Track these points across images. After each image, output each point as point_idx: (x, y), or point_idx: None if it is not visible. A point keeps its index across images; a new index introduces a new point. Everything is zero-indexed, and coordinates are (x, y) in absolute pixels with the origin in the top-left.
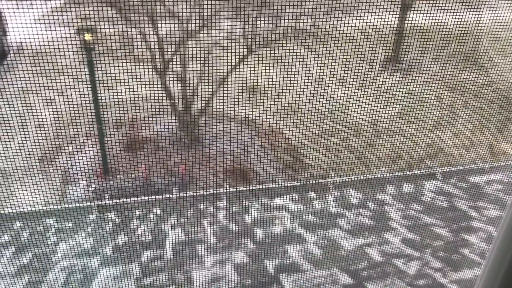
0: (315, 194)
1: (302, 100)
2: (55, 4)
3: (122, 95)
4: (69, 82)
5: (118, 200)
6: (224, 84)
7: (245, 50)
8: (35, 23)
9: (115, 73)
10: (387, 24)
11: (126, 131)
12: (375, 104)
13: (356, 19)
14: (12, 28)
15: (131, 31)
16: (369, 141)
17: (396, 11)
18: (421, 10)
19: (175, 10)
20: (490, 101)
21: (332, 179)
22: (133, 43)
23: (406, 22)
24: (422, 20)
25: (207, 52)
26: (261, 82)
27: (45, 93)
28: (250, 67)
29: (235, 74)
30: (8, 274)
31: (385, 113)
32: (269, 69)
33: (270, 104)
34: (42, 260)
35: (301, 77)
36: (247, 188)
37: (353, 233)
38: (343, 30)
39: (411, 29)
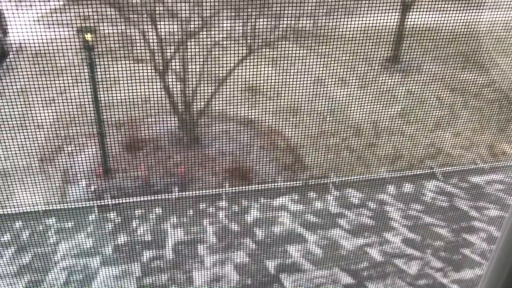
0: (315, 194)
1: (302, 100)
2: (55, 4)
3: (122, 95)
4: (69, 82)
5: (118, 200)
6: (224, 84)
7: (246, 50)
8: (35, 23)
9: (115, 73)
10: (387, 24)
11: (126, 131)
12: (375, 104)
13: (356, 19)
14: (12, 28)
15: (131, 31)
16: (369, 141)
17: (397, 11)
18: (421, 10)
19: (175, 10)
20: (491, 101)
21: (333, 179)
22: (133, 43)
23: (407, 22)
24: (422, 20)
25: (207, 52)
26: (261, 82)
27: (45, 93)
28: (251, 67)
29: (235, 74)
30: (8, 274)
31: (385, 113)
32: (269, 69)
33: (270, 104)
34: (43, 260)
35: (301, 77)
36: (247, 188)
37: (353, 233)
38: (343, 30)
39: (412, 29)
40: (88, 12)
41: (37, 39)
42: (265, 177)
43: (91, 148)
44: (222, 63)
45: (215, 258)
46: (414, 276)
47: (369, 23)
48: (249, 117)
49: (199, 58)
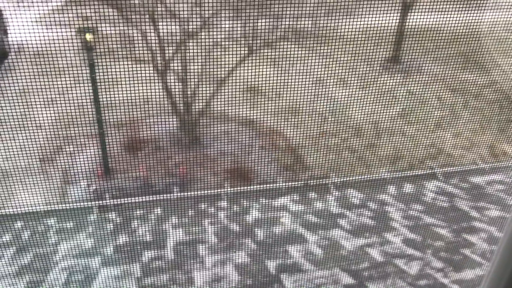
0: (316, 195)
1: (303, 100)
2: (56, 4)
3: (122, 95)
4: (69, 82)
5: (118, 200)
6: (224, 85)
7: (246, 50)
8: (36, 24)
9: (115, 74)
10: (388, 25)
11: (126, 132)
12: (376, 104)
13: (356, 20)
14: (12, 28)
15: (132, 31)
16: (370, 141)
17: (397, 12)
18: (421, 10)
19: (175, 10)
20: (491, 102)
21: (333, 180)
22: (134, 44)
23: (407, 22)
24: (423, 21)
25: (208, 52)
26: (261, 82)
27: (45, 93)
28: (251, 68)
29: (235, 75)
30: (9, 274)
31: (386, 114)
32: (270, 69)
33: (271, 105)
34: (43, 260)
35: (302, 77)
36: (248, 189)
37: (354, 233)
38: (344, 31)
39: (412, 30)
40: (89, 12)
41: (37, 40)
42: (265, 178)
43: (91, 149)
44: (223, 64)
45: (216, 259)
46: (415, 276)
47: (369, 24)
48: (250, 117)
49: (199, 58)
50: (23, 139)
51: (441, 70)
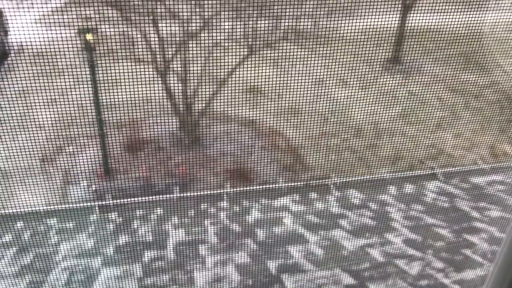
0: (316, 195)
1: (303, 101)
2: (56, 4)
3: (123, 95)
4: (70, 82)
5: (119, 201)
6: (225, 85)
7: (246, 50)
8: (36, 24)
9: (116, 74)
10: (388, 25)
11: (127, 132)
12: (376, 105)
13: (357, 20)
14: (13, 29)
15: (132, 31)
16: (370, 142)
17: (397, 12)
18: (422, 11)
19: (176, 11)
20: (492, 102)
21: (334, 180)
22: (134, 44)
23: (407, 23)
24: (423, 21)
25: (208, 52)
26: (262, 83)
27: (46, 93)
28: (251, 68)
29: (236, 75)
30: (10, 274)
31: (386, 114)
32: (270, 70)
33: (271, 105)
34: (44, 260)
35: (302, 78)
36: (249, 189)
37: (354, 234)
38: (344, 31)
39: (412, 31)
40: (89, 13)
41: (38, 40)
42: (266, 178)
43: (92, 149)
44: (223, 64)
45: (216, 259)
46: (416, 276)
47: (370, 25)
48: (250, 118)
49: (200, 59)
50: (24, 140)
51: (442, 71)
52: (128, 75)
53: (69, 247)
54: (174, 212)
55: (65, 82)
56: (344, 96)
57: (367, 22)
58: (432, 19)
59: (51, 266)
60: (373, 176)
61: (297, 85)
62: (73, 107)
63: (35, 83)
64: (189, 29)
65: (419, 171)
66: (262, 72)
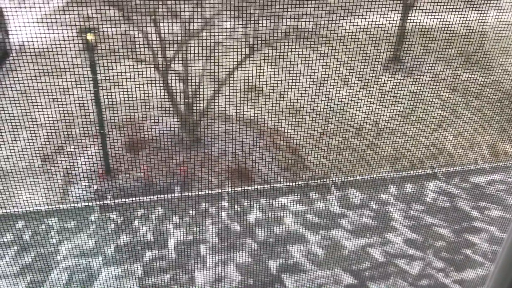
0: (317, 194)
1: (304, 100)
2: (57, 4)
3: (124, 95)
4: (71, 82)
5: (119, 200)
6: (226, 84)
7: (247, 50)
8: (37, 24)
9: (117, 73)
10: (389, 25)
11: (127, 131)
12: (376, 104)
13: (357, 20)
14: (14, 29)
15: (133, 31)
16: (371, 141)
17: (398, 11)
18: (423, 10)
19: (177, 10)
20: (492, 101)
21: (334, 179)
22: (135, 43)
23: (408, 22)
24: (424, 20)
25: (209, 52)
26: (263, 82)
27: (47, 93)
28: (252, 68)
29: (237, 74)
30: (10, 274)
31: (387, 114)
32: (271, 69)
33: (272, 105)
34: (44, 260)
35: (303, 77)
36: (249, 188)
37: (355, 233)
38: (345, 30)
39: (413, 30)
40: (90, 12)
41: (39, 40)
42: (267, 177)
43: (93, 149)
44: (224, 63)
45: (217, 258)
46: (416, 276)
47: (370, 24)
48: (251, 117)
49: (201, 58)
50: (24, 139)
51: (443, 70)
52: (129, 75)
53: (69, 247)
54: (174, 212)
55: (66, 81)
56: (345, 95)
57: (368, 21)
58: (433, 18)
59: (52, 266)
60: (374, 175)
61: (298, 85)
62: (74, 106)
63: (36, 82)
64: (190, 29)
65: (419, 171)
66: (262, 72)
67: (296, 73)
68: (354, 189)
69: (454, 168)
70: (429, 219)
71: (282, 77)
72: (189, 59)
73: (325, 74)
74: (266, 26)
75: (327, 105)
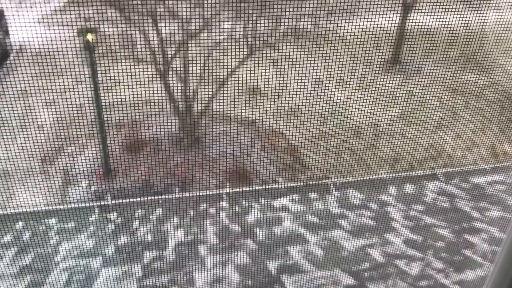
0: (316, 195)
1: (303, 102)
2: (57, 5)
3: (123, 96)
4: (70, 83)
5: (119, 201)
6: (225, 85)
7: (246, 51)
8: (37, 24)
9: (116, 74)
10: (388, 26)
11: (127, 132)
12: (376, 106)
13: (357, 21)
14: (13, 29)
15: (133, 31)
16: (370, 142)
17: (397, 13)
18: (422, 12)
19: (176, 11)
20: (492, 102)
21: (333, 180)
22: (135, 44)
23: (407, 24)
24: (423, 22)
25: (208, 53)
26: (262, 83)
27: (46, 94)
28: (251, 69)
29: (236, 75)
30: (9, 275)
31: (386, 115)
32: (270, 70)
33: (271, 106)
34: (44, 261)
35: (302, 78)
36: (248, 189)
37: (354, 234)
38: (344, 32)
39: (412, 31)
40: (89, 13)
41: (38, 40)
42: (266, 178)
43: (92, 149)
44: (223, 64)
45: (216, 259)
46: (416, 277)
47: (370, 25)
48: (250, 118)
49: (200, 59)
50: (24, 140)
51: (442, 71)
52: (128, 75)
53: (69, 247)
54: (173, 213)
55: (65, 82)
56: (344, 97)
57: (367, 22)
58: (433, 19)
59: (51, 266)
60: (373, 176)
61: (297, 86)
62: (73, 107)
63: (35, 83)
64: (189, 29)
65: (419, 171)
66: (261, 73)
67: (295, 75)
68: (353, 190)
69: (454, 169)
70: (429, 219)
71: (281, 78)
72: (189, 60)
73: (324, 76)
74: (265, 27)
75: (327, 106)
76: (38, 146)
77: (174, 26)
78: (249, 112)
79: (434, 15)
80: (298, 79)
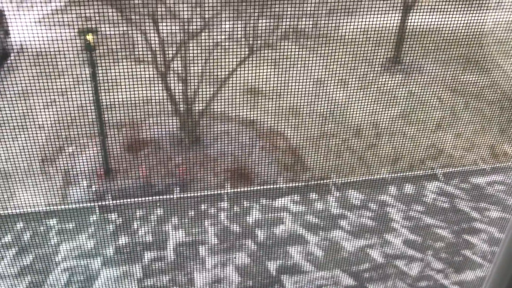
0: (316, 195)
1: (303, 101)
2: (57, 5)
3: (123, 96)
4: (70, 83)
5: (119, 201)
6: (225, 85)
7: (246, 51)
8: (37, 25)
9: (116, 74)
10: (388, 26)
11: (127, 132)
12: (376, 105)
13: (357, 21)
14: (14, 29)
15: (133, 32)
16: (370, 142)
17: (398, 12)
18: (422, 11)
19: (176, 11)
20: (492, 102)
21: (334, 180)
22: (135, 44)
23: (408, 23)
24: (423, 21)
25: (209, 53)
26: (262, 83)
27: (47, 94)
28: (251, 69)
29: (236, 75)
30: (10, 275)
31: (386, 114)
32: (270, 70)
33: (271, 106)
34: (44, 261)
35: (303, 78)
36: (249, 189)
37: (354, 234)
38: (345, 31)
39: (413, 31)
40: (90, 13)
41: (39, 40)
42: (266, 178)
43: (92, 149)
44: (223, 64)
45: (216, 260)
46: (416, 277)
47: (370, 24)
48: (250, 118)
49: (200, 59)
50: (24, 140)
51: (442, 71)
52: (129, 76)
53: (69, 248)
54: (174, 213)
55: (65, 82)
56: (345, 96)
57: (367, 22)
58: (433, 19)
59: (52, 267)
60: (373, 176)
61: (297, 86)
62: (74, 107)
63: (35, 83)
64: (189, 30)
65: (419, 172)
66: (262, 73)
67: (296, 74)
68: (353, 190)
69: (454, 169)
70: (429, 219)
71: (281, 78)
72: (189, 60)
73: (325, 75)
74: (265, 26)
75: (327, 106)
76: (39, 146)
77: (174, 26)
78: (249, 112)
79: (434, 15)
80: (298, 79)
